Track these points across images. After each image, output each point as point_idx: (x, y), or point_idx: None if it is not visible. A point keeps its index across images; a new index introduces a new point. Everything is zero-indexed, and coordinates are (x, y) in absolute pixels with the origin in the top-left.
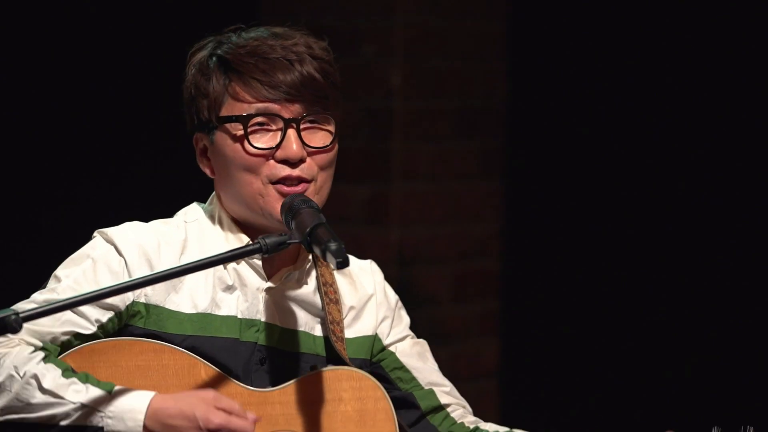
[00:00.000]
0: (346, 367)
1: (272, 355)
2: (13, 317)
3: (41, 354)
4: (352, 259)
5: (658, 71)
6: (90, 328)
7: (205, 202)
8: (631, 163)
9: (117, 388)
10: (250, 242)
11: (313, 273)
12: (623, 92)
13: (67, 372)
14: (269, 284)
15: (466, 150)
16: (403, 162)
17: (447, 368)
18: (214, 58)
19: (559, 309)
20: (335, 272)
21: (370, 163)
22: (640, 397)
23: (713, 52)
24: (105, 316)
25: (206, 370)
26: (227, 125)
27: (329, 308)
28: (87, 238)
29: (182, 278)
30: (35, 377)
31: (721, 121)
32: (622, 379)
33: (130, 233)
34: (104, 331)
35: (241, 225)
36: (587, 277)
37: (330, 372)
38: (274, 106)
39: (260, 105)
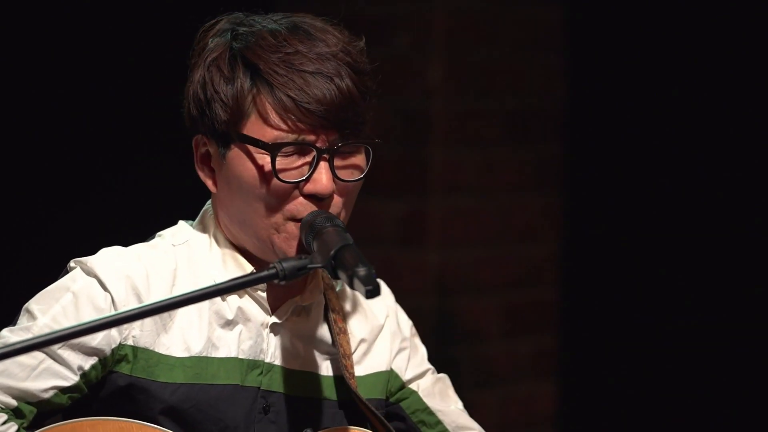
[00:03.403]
0: (345, 427)
1: (277, 402)
2: None
3: (13, 427)
4: None
5: (749, 63)
6: (72, 378)
7: (193, 219)
8: (714, 174)
9: None
10: (254, 270)
11: (322, 301)
12: (703, 91)
13: None
14: (274, 319)
15: (519, 159)
16: (444, 173)
17: (496, 415)
18: (237, 57)
19: (625, 346)
20: (341, 299)
21: (406, 175)
22: None
23: None
24: (88, 362)
25: None
26: (250, 147)
27: (339, 339)
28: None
29: (172, 315)
30: None
31: None
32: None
33: (114, 262)
34: (86, 380)
35: (240, 250)
36: (660, 309)
37: None
38: (309, 137)
39: (292, 134)
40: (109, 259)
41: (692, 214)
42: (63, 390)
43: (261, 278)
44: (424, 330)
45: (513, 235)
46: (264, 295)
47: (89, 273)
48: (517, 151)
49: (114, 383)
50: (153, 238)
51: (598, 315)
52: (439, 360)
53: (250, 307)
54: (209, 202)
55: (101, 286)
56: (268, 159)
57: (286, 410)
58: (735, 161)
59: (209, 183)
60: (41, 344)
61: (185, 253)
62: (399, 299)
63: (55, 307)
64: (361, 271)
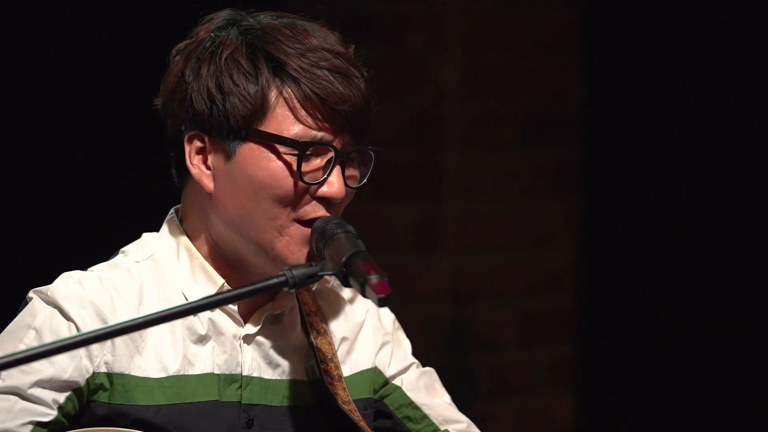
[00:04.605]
0: None
1: (260, 414)
2: None
3: None
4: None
5: None
6: (50, 413)
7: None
8: (738, 177)
9: None
10: (224, 283)
11: (296, 305)
12: (724, 92)
13: None
14: (247, 330)
15: (535, 163)
16: (459, 177)
17: (512, 427)
18: (258, 51)
19: (646, 356)
20: (319, 298)
21: (419, 179)
22: None
23: None
24: (62, 396)
25: None
26: (271, 144)
27: (317, 343)
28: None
29: (143, 335)
30: None
31: None
32: None
33: (74, 289)
34: (64, 412)
35: (216, 259)
36: (683, 317)
37: None
38: (328, 136)
39: (316, 132)
40: (69, 286)
41: (715, 219)
42: (42, 425)
43: (270, 285)
44: (438, 339)
45: (529, 241)
46: (235, 306)
47: (49, 303)
48: (533, 155)
49: (93, 413)
50: (116, 255)
51: (618, 323)
52: (453, 370)
53: (221, 319)
54: (172, 211)
55: (63, 316)
56: (290, 157)
57: (271, 422)
58: (762, 163)
59: (205, 182)
60: (11, 363)
61: (150, 269)
62: (412, 307)
63: (20, 347)
64: (374, 278)
